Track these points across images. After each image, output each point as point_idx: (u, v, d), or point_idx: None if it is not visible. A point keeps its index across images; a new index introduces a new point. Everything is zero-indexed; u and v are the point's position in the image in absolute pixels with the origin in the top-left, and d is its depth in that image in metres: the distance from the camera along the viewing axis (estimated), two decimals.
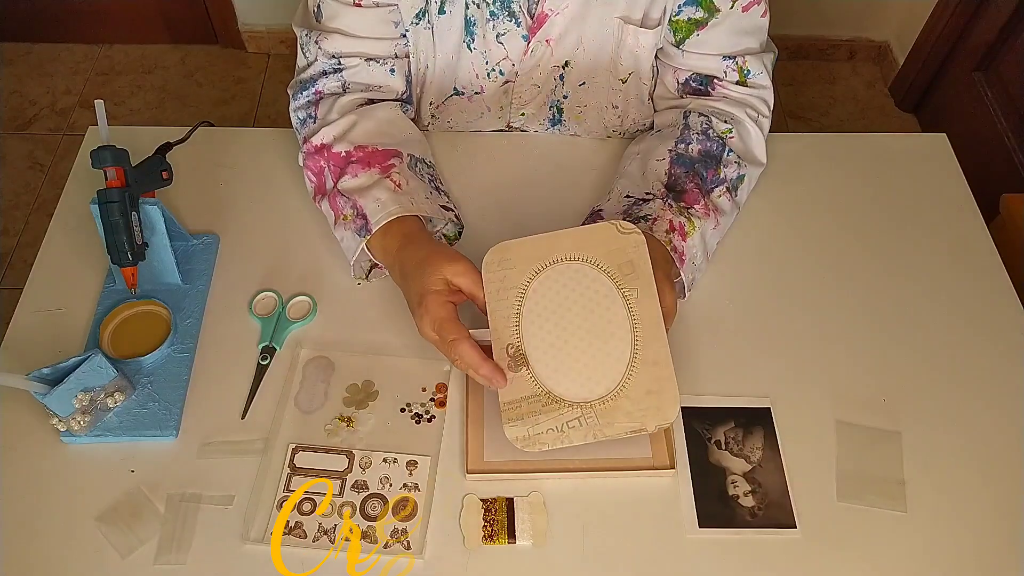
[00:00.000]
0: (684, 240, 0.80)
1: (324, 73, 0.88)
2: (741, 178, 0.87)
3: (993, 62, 1.86)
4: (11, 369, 0.77)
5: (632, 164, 0.90)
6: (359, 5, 0.84)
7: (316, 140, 0.85)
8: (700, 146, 0.86)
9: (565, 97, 0.95)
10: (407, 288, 0.76)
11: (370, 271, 0.86)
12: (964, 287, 0.87)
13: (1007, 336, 0.83)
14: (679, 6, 0.84)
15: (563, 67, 0.91)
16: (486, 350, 0.70)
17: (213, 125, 0.98)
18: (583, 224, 0.83)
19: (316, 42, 0.87)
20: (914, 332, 0.83)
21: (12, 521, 0.70)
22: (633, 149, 0.93)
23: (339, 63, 0.87)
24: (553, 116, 0.97)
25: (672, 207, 0.81)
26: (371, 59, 0.88)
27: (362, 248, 0.80)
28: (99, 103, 0.79)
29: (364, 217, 0.80)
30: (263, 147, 0.98)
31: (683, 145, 0.86)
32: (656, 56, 0.91)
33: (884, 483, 0.73)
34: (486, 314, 0.72)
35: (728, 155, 0.86)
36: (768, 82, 0.89)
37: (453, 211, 0.87)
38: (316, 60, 0.88)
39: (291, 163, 0.96)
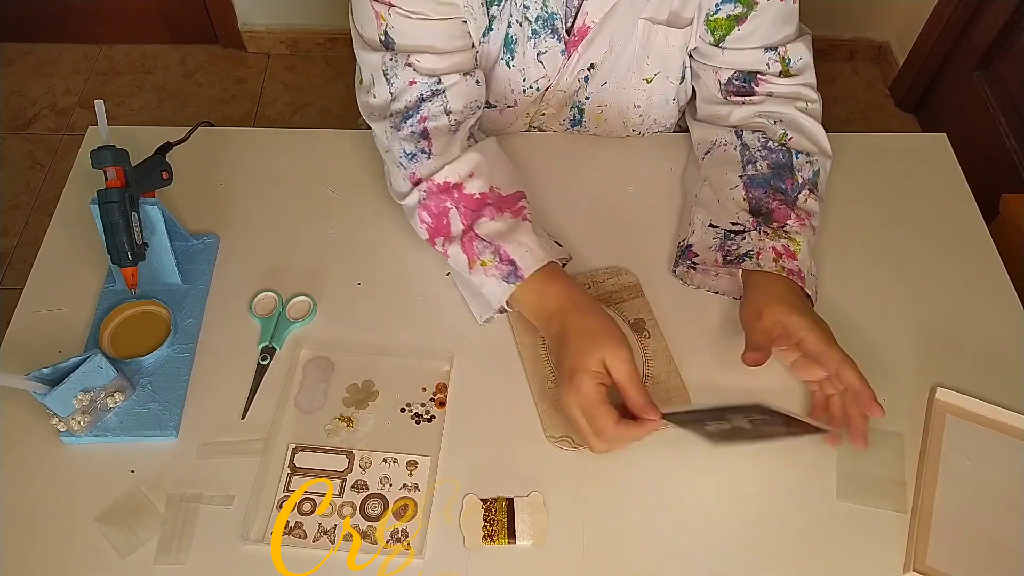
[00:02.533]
0: (795, 259, 0.79)
1: (422, 97, 0.81)
2: (817, 173, 0.86)
3: (993, 62, 1.86)
4: (11, 369, 0.77)
5: (704, 191, 0.88)
6: (429, 19, 0.79)
7: (439, 178, 0.79)
8: (767, 161, 0.85)
9: (587, 98, 0.94)
10: (562, 351, 0.73)
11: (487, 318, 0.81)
12: (964, 287, 0.87)
13: (1007, 336, 0.83)
14: (716, 5, 0.84)
15: (588, 70, 0.90)
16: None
17: (213, 125, 0.98)
18: (676, 261, 0.85)
19: (407, 64, 0.80)
20: (914, 332, 0.83)
21: (12, 521, 0.70)
22: (694, 173, 0.92)
23: (439, 81, 0.81)
24: (574, 117, 0.97)
25: (768, 233, 0.80)
26: (467, 73, 0.83)
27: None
28: (99, 103, 0.79)
29: (512, 263, 0.77)
30: (263, 147, 0.98)
31: (751, 167, 0.85)
32: (691, 57, 0.91)
33: (884, 483, 0.73)
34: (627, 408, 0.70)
35: (797, 158, 0.85)
36: (811, 63, 0.89)
37: (566, 251, 0.84)
38: (412, 83, 0.81)
39: (291, 163, 0.96)
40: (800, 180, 0.85)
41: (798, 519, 0.71)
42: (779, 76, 0.88)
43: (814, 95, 0.89)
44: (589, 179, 0.95)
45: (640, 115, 0.95)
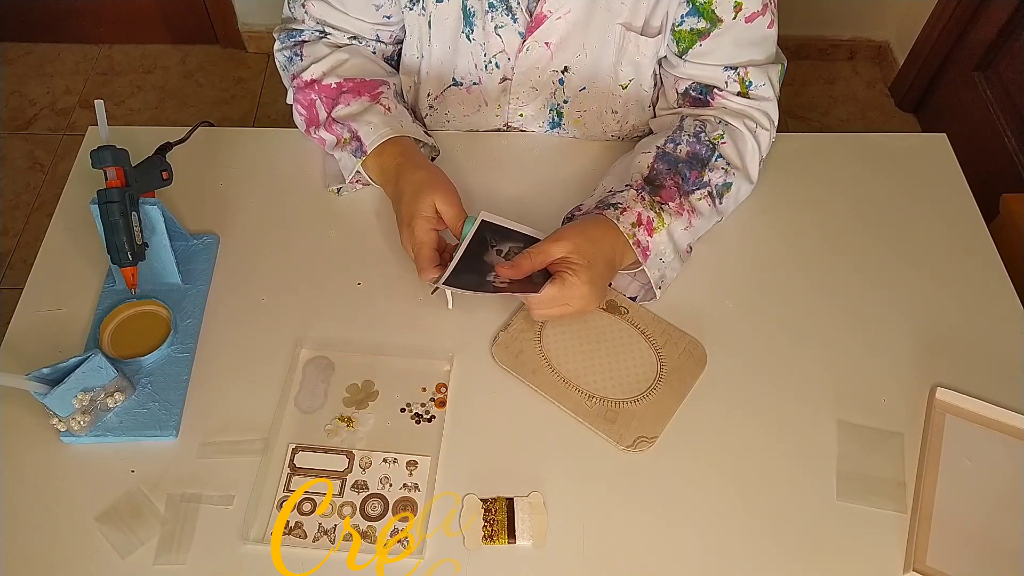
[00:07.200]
0: (650, 235, 0.79)
1: (311, 31, 0.92)
2: (727, 185, 0.86)
3: (993, 62, 1.86)
4: (11, 369, 0.77)
5: (620, 163, 0.90)
6: None
7: (307, 75, 0.90)
8: (689, 148, 0.85)
9: (565, 101, 0.95)
10: (399, 205, 0.82)
11: (339, 189, 0.91)
12: (964, 287, 0.87)
13: (1007, 336, 0.83)
14: (681, 16, 0.84)
15: (563, 72, 0.91)
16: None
17: (213, 125, 0.99)
18: (563, 221, 0.85)
19: (302, 4, 0.91)
20: (914, 332, 0.83)
21: (12, 521, 0.70)
22: (627, 151, 0.93)
23: (323, 32, 0.92)
24: (552, 119, 0.97)
25: (644, 200, 0.80)
26: (355, 37, 0.92)
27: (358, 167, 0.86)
28: (99, 103, 0.79)
29: (359, 139, 0.86)
30: (263, 147, 0.98)
31: (671, 144, 0.86)
32: (660, 65, 0.91)
33: (884, 483, 0.73)
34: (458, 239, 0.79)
35: (716, 160, 0.85)
36: (771, 94, 0.88)
37: (431, 139, 0.93)
38: (304, 21, 0.91)
39: (291, 163, 0.96)
40: (706, 179, 0.84)
41: (798, 519, 0.71)
42: (736, 95, 0.88)
43: (767, 122, 0.88)
44: (571, 179, 0.95)
45: (618, 120, 0.96)
